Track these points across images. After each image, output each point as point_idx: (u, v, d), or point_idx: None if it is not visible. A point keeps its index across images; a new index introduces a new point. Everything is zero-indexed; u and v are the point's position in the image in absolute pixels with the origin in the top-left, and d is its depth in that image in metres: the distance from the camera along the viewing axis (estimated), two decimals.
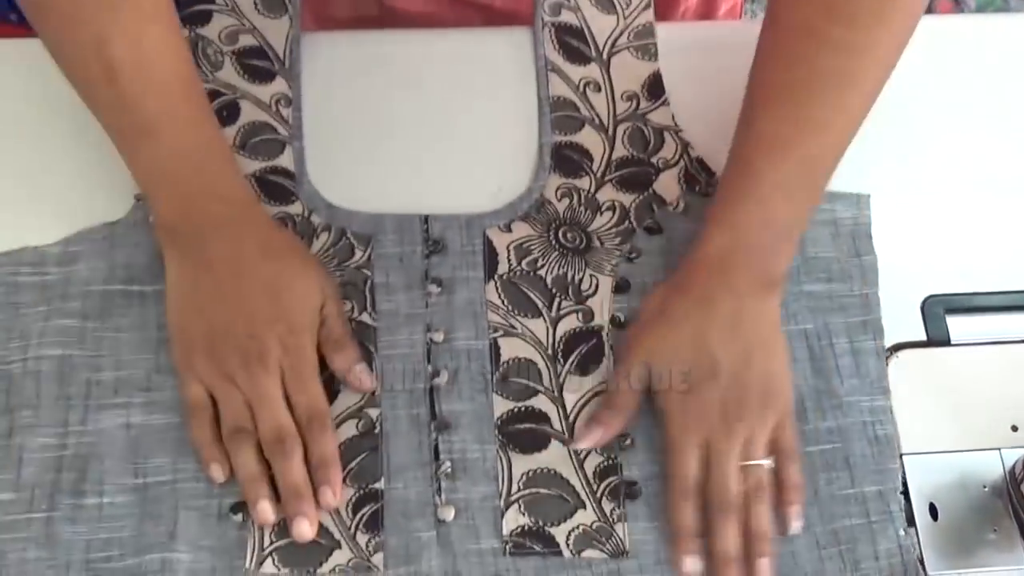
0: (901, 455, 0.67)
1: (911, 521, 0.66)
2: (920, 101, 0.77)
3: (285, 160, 0.74)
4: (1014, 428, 0.69)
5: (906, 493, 0.67)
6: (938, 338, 0.71)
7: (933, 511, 0.67)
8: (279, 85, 0.76)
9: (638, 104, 0.77)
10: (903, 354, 0.70)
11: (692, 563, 0.62)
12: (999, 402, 0.68)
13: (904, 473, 0.67)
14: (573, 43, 0.79)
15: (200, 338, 0.65)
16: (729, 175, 0.69)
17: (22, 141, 0.74)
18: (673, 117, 0.76)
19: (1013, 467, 0.67)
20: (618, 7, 0.80)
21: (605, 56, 0.79)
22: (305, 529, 0.62)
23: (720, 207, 0.68)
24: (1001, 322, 0.72)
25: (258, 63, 0.77)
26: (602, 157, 0.75)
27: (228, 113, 0.75)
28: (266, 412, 0.63)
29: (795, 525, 0.63)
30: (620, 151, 0.75)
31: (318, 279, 0.66)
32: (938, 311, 0.72)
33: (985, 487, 0.68)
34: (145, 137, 0.65)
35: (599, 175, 0.74)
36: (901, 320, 0.70)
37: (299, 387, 0.64)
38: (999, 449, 0.69)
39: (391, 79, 0.78)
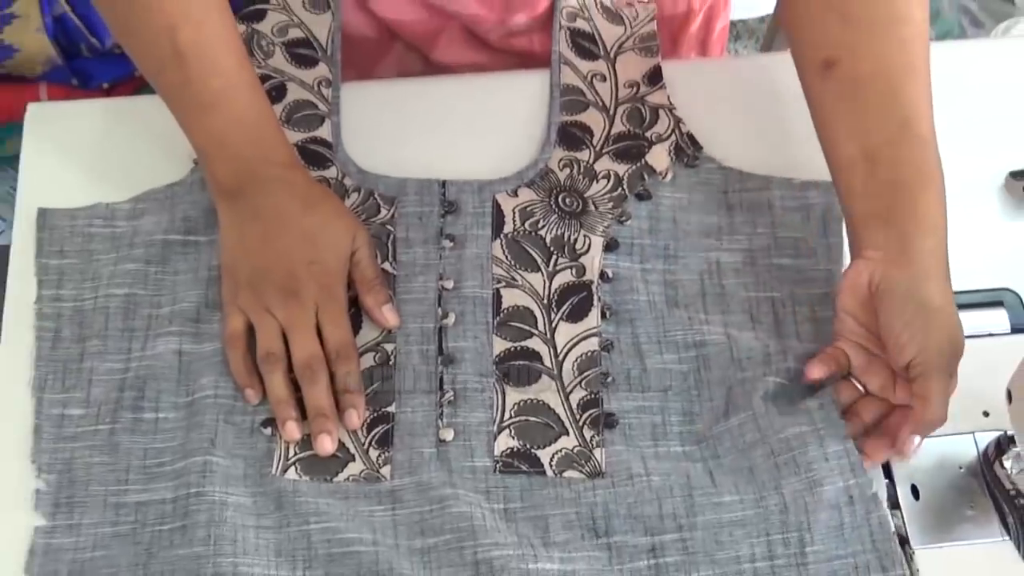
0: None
1: (895, 502, 0.67)
2: None
3: (323, 132, 0.77)
4: (986, 414, 0.70)
5: (890, 476, 0.68)
6: None
7: (915, 492, 0.68)
8: (321, 70, 0.80)
9: (638, 89, 0.80)
10: None
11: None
12: (972, 390, 0.68)
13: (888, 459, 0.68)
14: (585, 44, 0.82)
15: (246, 276, 0.68)
16: (906, 153, 0.67)
17: (89, 179, 0.78)
18: (668, 98, 0.79)
19: (986, 449, 0.68)
20: (626, 20, 0.83)
21: (612, 55, 0.81)
22: (327, 445, 0.65)
23: (915, 186, 0.66)
24: (973, 318, 0.72)
25: (304, 51, 0.80)
26: (602, 132, 0.78)
27: (276, 93, 0.79)
28: (299, 339, 0.67)
29: None
30: (619, 127, 0.78)
31: (351, 228, 0.70)
32: None
33: (961, 468, 0.69)
34: (207, 111, 0.69)
35: (598, 148, 0.77)
36: None
37: (330, 321, 0.68)
38: (973, 433, 0.70)
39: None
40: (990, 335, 0.71)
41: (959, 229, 0.68)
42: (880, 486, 0.66)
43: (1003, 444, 0.66)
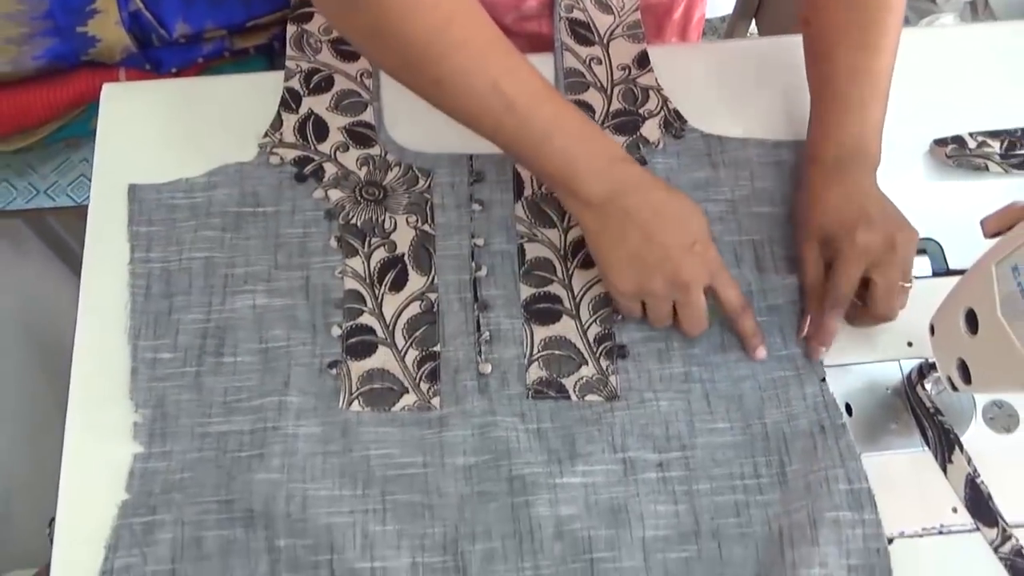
0: (823, 363, 0.72)
1: None
2: None
3: (367, 116, 0.80)
4: (909, 344, 0.74)
5: None
6: None
7: (848, 409, 0.72)
8: (363, 63, 0.83)
9: (630, 72, 0.83)
10: None
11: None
12: (898, 324, 0.72)
13: (825, 378, 0.72)
14: (581, 31, 0.85)
15: (635, 277, 0.69)
16: (824, 100, 0.74)
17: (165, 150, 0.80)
18: (656, 80, 0.83)
19: (909, 374, 0.72)
20: (614, 9, 0.86)
21: (605, 41, 0.85)
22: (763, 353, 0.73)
23: (832, 123, 0.73)
24: None
25: (347, 47, 0.83)
26: (602, 110, 0.82)
27: (325, 84, 0.81)
28: (690, 325, 0.71)
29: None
30: (616, 105, 0.81)
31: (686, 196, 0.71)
32: None
33: (888, 389, 0.73)
34: (547, 141, 0.67)
35: (600, 123, 0.80)
36: None
37: (722, 288, 0.70)
38: (898, 360, 0.73)
39: None
40: (915, 278, 0.73)
41: (891, 188, 0.72)
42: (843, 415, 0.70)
43: (924, 370, 0.70)
